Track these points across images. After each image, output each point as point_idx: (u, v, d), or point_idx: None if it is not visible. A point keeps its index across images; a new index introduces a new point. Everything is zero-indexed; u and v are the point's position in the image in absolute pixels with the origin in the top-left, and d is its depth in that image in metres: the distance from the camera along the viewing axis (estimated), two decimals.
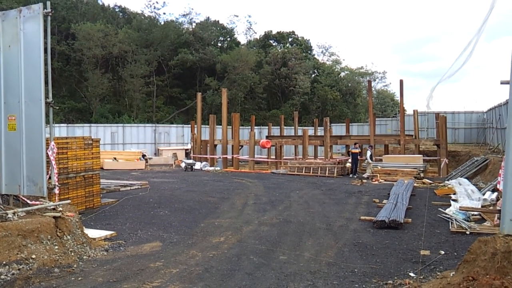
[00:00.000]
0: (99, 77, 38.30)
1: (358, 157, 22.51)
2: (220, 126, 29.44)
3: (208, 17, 49.88)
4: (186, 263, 7.11)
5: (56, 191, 8.68)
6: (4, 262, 6.27)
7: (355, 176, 20.20)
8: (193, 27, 48.55)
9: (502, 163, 8.54)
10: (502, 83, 5.51)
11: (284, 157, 30.10)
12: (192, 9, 53.55)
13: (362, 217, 10.96)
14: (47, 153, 8.26)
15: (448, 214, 10.88)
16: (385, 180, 19.82)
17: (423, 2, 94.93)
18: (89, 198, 12.07)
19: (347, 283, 6.19)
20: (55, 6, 38.62)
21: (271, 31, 55.16)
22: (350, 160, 22.12)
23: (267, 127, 36.42)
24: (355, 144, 22.94)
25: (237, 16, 74.99)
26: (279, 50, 50.61)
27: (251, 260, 7.31)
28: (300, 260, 7.30)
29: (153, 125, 36.25)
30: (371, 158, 21.91)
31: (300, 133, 32.23)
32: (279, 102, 48.87)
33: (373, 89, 46.35)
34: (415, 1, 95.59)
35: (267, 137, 31.67)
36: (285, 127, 36.21)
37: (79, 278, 6.31)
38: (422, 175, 20.82)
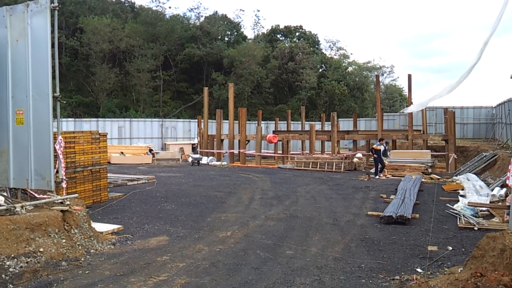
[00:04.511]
0: (106, 71, 38.45)
1: (382, 155, 19.87)
2: (227, 121, 29.42)
3: (216, 11, 49.72)
4: (193, 257, 7.12)
5: (64, 185, 8.71)
6: (12, 255, 6.32)
7: (377, 177, 18.77)
8: (201, 21, 48.44)
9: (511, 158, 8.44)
10: None
11: (291, 152, 30.03)
12: (200, 3, 53.45)
13: (369, 213, 10.91)
14: (54, 147, 8.30)
15: (456, 210, 10.80)
16: (392, 176, 19.70)
17: None
18: (97, 192, 12.12)
19: (353, 278, 6.17)
20: (63, 1, 38.71)
21: (278, 25, 54.84)
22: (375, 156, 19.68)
23: (274, 122, 36.35)
24: (379, 140, 20.89)
25: (243, 10, 74.71)
26: (287, 45, 50.31)
27: (257, 254, 7.31)
28: (306, 255, 7.29)
29: (160, 119, 36.33)
30: (384, 154, 20.69)
31: (307, 128, 32.10)
32: (286, 97, 48.68)
33: (381, 83, 46.07)
34: None
35: (274, 132, 31.61)
36: (292, 122, 36.10)
37: (86, 272, 6.35)
38: (430, 170, 20.64)
